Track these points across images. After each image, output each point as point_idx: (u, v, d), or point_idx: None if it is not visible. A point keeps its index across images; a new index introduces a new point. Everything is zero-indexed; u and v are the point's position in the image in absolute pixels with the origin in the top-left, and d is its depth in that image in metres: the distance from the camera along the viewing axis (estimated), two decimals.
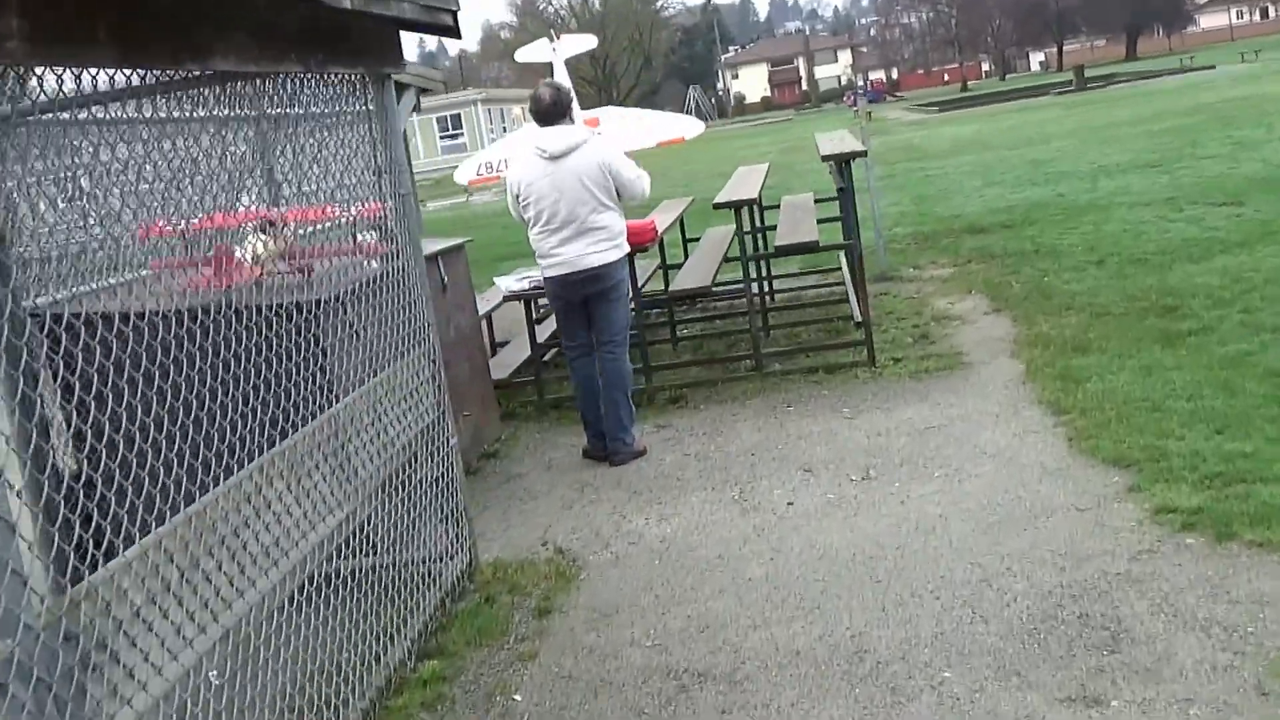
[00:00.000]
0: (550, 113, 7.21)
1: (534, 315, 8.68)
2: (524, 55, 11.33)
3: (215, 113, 5.03)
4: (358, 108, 5.31)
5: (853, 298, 9.25)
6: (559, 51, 11.13)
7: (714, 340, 10.12)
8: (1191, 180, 16.49)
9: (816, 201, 11.33)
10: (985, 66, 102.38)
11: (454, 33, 5.28)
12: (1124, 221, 13.60)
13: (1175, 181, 16.60)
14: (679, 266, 10.81)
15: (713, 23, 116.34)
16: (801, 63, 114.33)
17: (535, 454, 7.72)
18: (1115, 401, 6.83)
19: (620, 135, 9.71)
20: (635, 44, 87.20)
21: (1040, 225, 14.31)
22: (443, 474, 5.48)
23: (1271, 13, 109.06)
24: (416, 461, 5.29)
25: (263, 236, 5.72)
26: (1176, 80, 48.82)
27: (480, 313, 8.89)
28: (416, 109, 13.91)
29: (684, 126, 10.04)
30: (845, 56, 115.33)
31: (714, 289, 8.64)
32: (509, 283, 8.54)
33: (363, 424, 4.69)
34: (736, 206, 8.44)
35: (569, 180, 7.09)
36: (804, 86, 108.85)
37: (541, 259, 7.26)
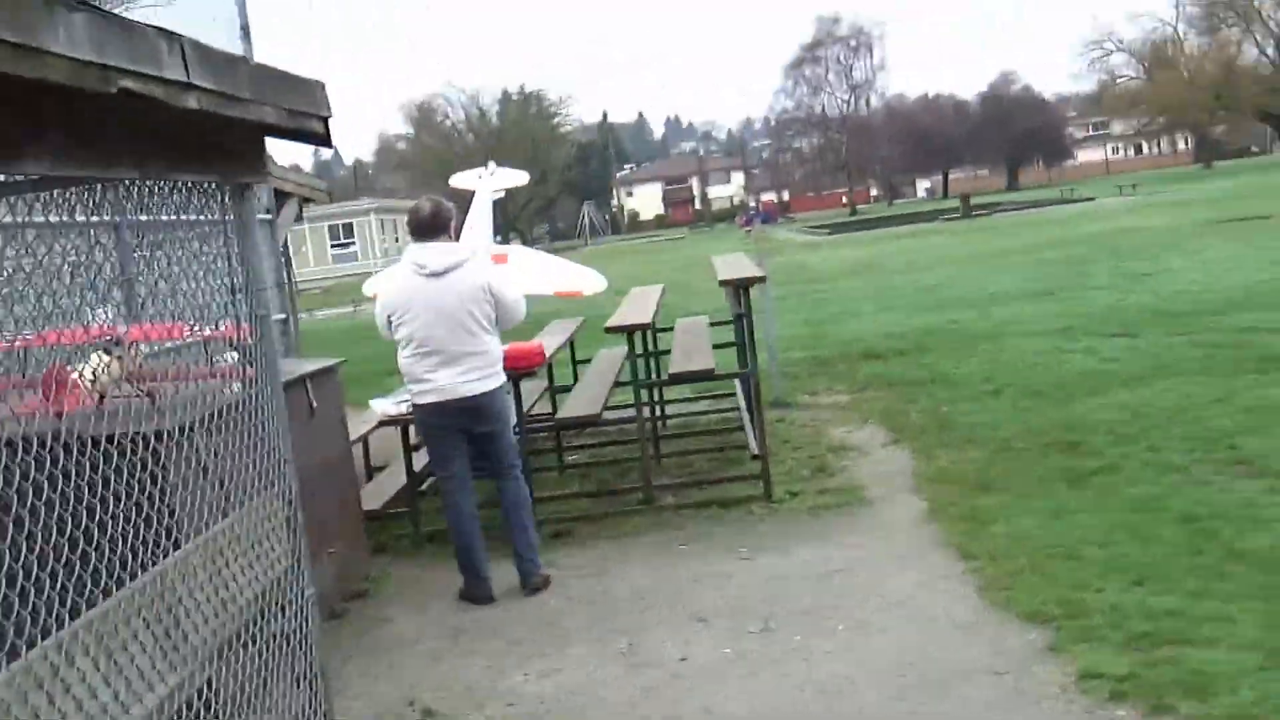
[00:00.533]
0: (430, 226, 6.73)
1: (410, 441, 8.09)
2: (456, 181, 10.74)
3: (42, 218, 4.50)
4: (211, 219, 4.78)
5: (749, 428, 8.82)
6: (491, 181, 10.65)
7: (603, 469, 9.61)
8: (1083, 310, 16.48)
9: (711, 324, 10.96)
10: (874, 191, 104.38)
11: (324, 140, 4.77)
12: (1019, 351, 13.43)
13: (1067, 310, 16.57)
14: (568, 389, 10.34)
15: (608, 140, 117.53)
16: (695, 182, 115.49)
17: (407, 594, 7.09)
18: (1026, 548, 6.43)
19: (521, 277, 9.21)
20: (532, 160, 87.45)
21: (935, 353, 14.10)
22: (296, 629, 4.87)
23: (1145, 149, 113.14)
24: (265, 617, 4.68)
25: (105, 356, 5.14)
26: (1059, 210, 50.00)
27: (355, 436, 8.30)
28: (299, 219, 13.37)
29: (586, 281, 9.59)
30: (738, 178, 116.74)
31: (603, 417, 8.13)
32: (385, 405, 7.98)
33: (198, 580, 4.08)
34: (629, 330, 8.00)
35: (447, 300, 6.60)
36: (698, 205, 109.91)
37: (413, 384, 6.74)
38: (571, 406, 8.32)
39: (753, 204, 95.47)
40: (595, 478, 9.40)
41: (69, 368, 5.06)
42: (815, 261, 36.22)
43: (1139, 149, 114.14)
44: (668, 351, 9.63)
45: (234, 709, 4.49)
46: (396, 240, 67.39)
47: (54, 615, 3.20)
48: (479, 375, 6.70)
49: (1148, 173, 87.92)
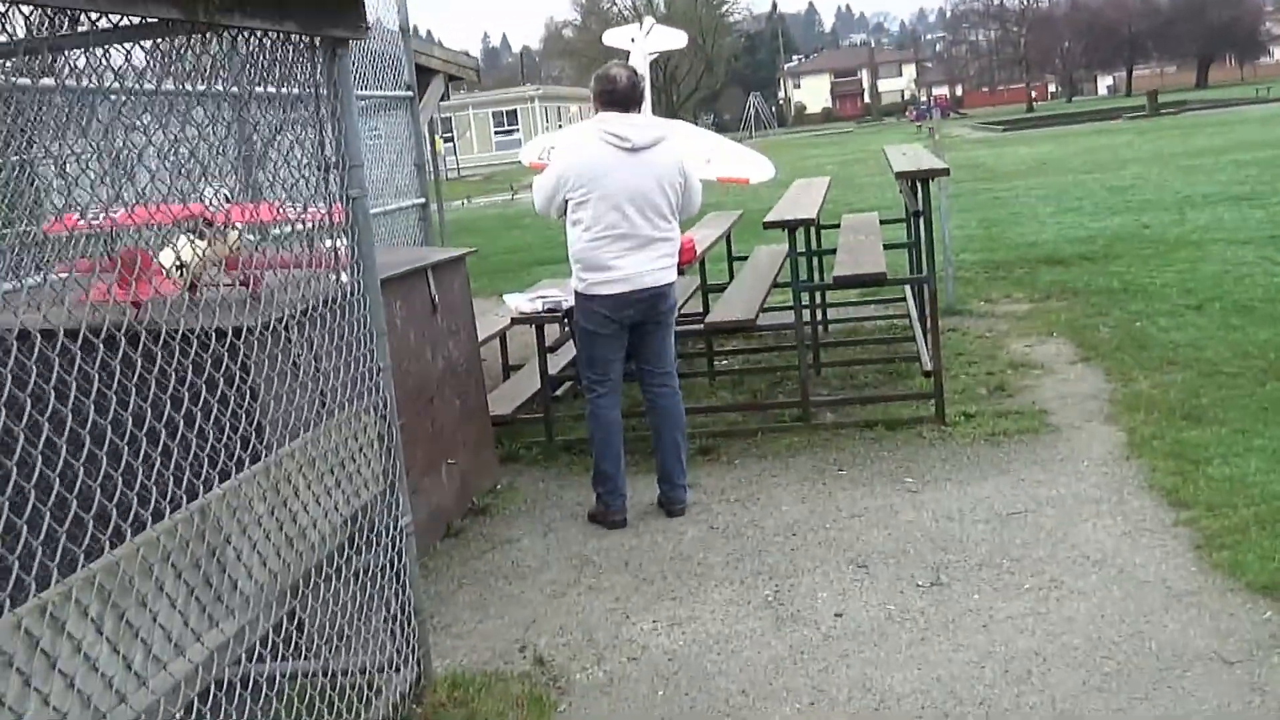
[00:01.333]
0: (629, 96, 5.91)
1: (545, 342, 7.36)
2: (610, 38, 9.61)
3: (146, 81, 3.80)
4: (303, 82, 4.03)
5: (921, 341, 7.88)
6: (646, 42, 9.47)
7: (757, 377, 8.78)
8: None
9: (882, 223, 9.97)
10: (1051, 88, 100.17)
11: None
12: (1223, 261, 12.11)
13: (1273, 218, 15.06)
14: (722, 288, 9.50)
15: (777, 31, 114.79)
16: (865, 75, 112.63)
17: (534, 512, 6.40)
18: (1251, 497, 5.44)
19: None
20: (698, 48, 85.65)
21: (1126, 260, 12.84)
22: (389, 563, 4.18)
23: None
24: (351, 549, 4.00)
25: (195, 240, 4.47)
26: (1254, 110, 46.83)
27: (488, 333, 7.60)
28: (445, 97, 12.66)
29: (754, 167, 8.46)
30: (909, 71, 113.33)
31: (759, 322, 7.27)
32: (519, 301, 7.23)
33: (255, 514, 3.40)
34: (790, 227, 7.09)
35: (646, 179, 5.81)
36: (866, 99, 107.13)
37: (589, 271, 5.87)
38: (725, 309, 7.47)
39: (924, 99, 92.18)
40: (749, 387, 8.58)
41: (149, 251, 4.41)
42: (989, 159, 34.38)
43: None
44: (833, 251, 8.68)
45: (313, 651, 3.86)
46: (560, 126, 66.60)
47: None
48: (668, 263, 5.98)
49: None
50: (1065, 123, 54.46)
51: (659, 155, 5.90)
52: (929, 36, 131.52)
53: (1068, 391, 7.86)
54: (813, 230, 8.61)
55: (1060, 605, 4.61)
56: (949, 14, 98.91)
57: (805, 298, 7.90)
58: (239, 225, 4.72)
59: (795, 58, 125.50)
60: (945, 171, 7.26)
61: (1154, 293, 10.83)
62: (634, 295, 5.89)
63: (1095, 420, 7.12)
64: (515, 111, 71.41)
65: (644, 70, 8.15)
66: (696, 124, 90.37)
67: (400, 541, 4.23)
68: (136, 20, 3.02)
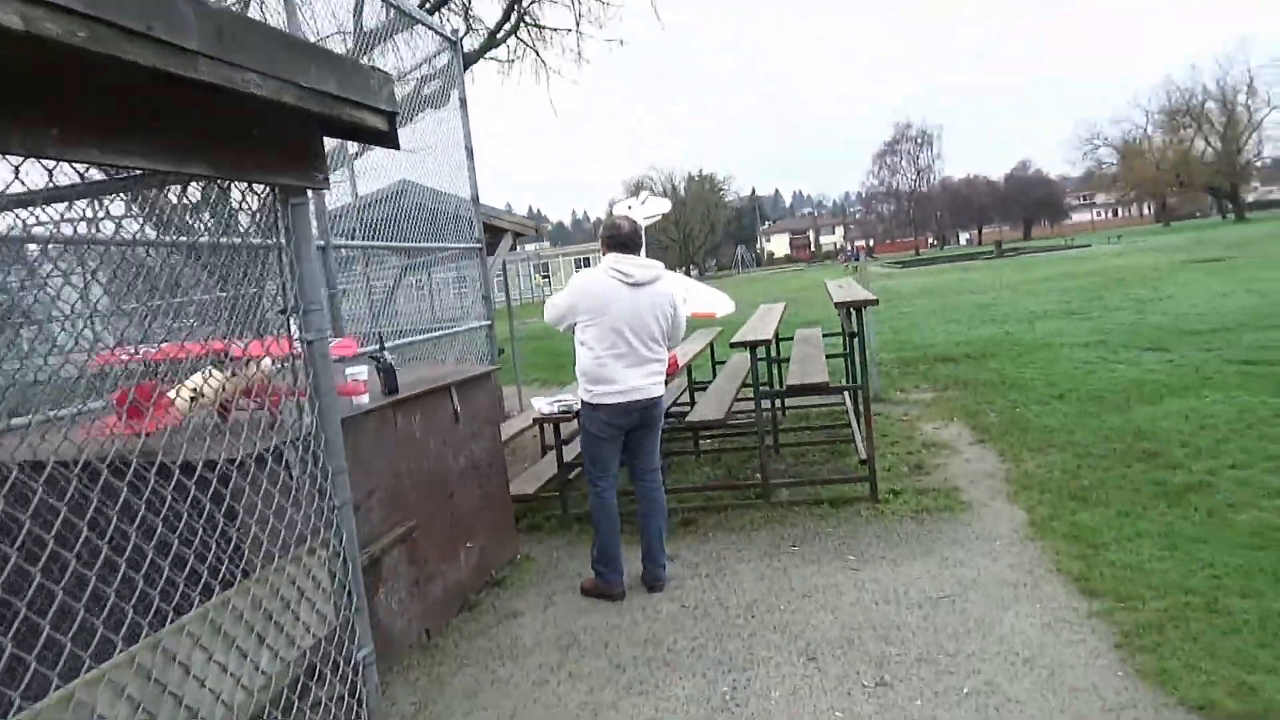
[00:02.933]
0: (632, 241, 4.57)
1: (560, 436, 5.85)
2: (618, 209, 8.26)
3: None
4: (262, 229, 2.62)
5: (857, 435, 6.30)
6: (643, 208, 8.08)
7: (731, 454, 7.20)
8: (1111, 326, 13.23)
9: (824, 335, 8.43)
10: (930, 240, 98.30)
11: (387, 139, 2.54)
12: (1071, 360, 10.42)
13: (1098, 327, 13.35)
14: (706, 386, 7.98)
15: (755, 206, 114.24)
16: (811, 233, 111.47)
17: (541, 582, 4.85)
18: (1154, 587, 3.85)
19: None
20: (705, 217, 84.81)
21: (1000, 359, 11.18)
22: (349, 693, 2.67)
23: (1119, 212, 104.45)
24: (313, 678, 2.50)
25: (215, 372, 3.04)
26: (1065, 254, 44.87)
27: (516, 430, 6.11)
28: (513, 247, 11.29)
29: (719, 304, 7.01)
30: (840, 230, 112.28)
31: (730, 417, 5.72)
32: (541, 405, 5.75)
33: (217, 644, 1.93)
34: (751, 345, 5.57)
35: (644, 309, 4.45)
36: (812, 248, 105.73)
37: (596, 384, 4.46)
38: (702, 409, 5.92)
39: (849, 247, 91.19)
40: (724, 463, 7.01)
41: (159, 384, 2.99)
42: (893, 286, 32.58)
43: (1115, 212, 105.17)
44: (789, 359, 7.14)
45: None
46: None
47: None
48: (659, 378, 4.56)
49: (1123, 228, 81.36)
50: (941, 262, 52.71)
51: (654, 290, 4.50)
52: (851, 209, 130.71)
53: (971, 470, 6.25)
54: (771, 346, 7.05)
55: (999, 715, 3.02)
56: (864, 194, 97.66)
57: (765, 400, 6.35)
58: (262, 358, 3.28)
59: (766, 222, 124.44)
60: (875, 301, 5.72)
61: (1025, 385, 9.18)
62: (632, 404, 4.46)
63: (998, 499, 5.50)
64: (588, 259, 70.85)
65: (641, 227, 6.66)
66: (704, 264, 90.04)
67: (359, 673, 2.72)
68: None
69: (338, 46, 8.04)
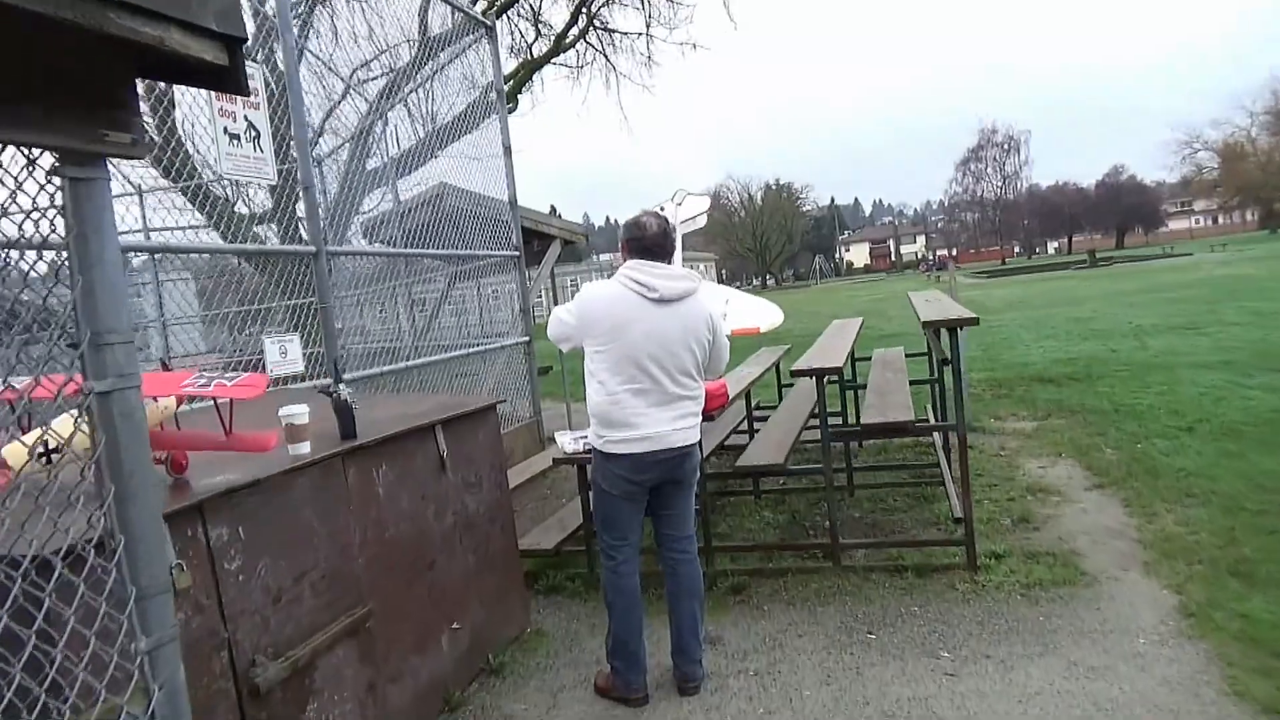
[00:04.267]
0: (661, 245, 3.48)
1: (588, 477, 4.85)
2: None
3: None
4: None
5: (949, 481, 5.16)
6: (680, 210, 6.72)
7: (798, 495, 6.11)
8: (1234, 344, 11.66)
9: (907, 356, 7.26)
10: (1016, 249, 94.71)
11: (228, 80, 1.60)
12: (1195, 385, 8.99)
13: (1218, 344, 11.78)
14: (768, 412, 6.90)
15: (833, 214, 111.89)
16: (891, 242, 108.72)
17: (550, 671, 3.86)
18: None
19: None
20: (782, 227, 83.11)
21: (1108, 381, 9.80)
22: None
23: (1220, 219, 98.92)
24: None
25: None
26: (1163, 263, 42.11)
27: (534, 471, 5.14)
28: (561, 257, 10.38)
29: (764, 315, 5.61)
30: (921, 240, 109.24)
31: (789, 469, 4.63)
32: (565, 441, 4.76)
33: None
34: (818, 374, 4.49)
35: (672, 331, 3.39)
36: (892, 258, 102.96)
37: (608, 428, 3.41)
38: (757, 451, 4.83)
39: (931, 257, 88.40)
40: (790, 506, 5.94)
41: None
42: (980, 297, 30.83)
43: (1215, 219, 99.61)
44: (864, 385, 6.02)
45: None
46: None
47: None
48: (692, 422, 3.49)
49: (1224, 236, 76.99)
50: (1029, 272, 50.24)
51: (687, 309, 3.43)
52: (933, 218, 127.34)
53: (1091, 525, 5.05)
54: (842, 372, 5.91)
55: None
56: (947, 203, 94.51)
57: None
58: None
59: (845, 231, 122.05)
60: (974, 321, 4.58)
61: (1143, 413, 7.85)
62: (656, 456, 3.41)
63: (1133, 569, 4.32)
64: (591, 276, 69.66)
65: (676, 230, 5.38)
66: (782, 275, 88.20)
67: None
68: None
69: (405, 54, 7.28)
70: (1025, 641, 3.66)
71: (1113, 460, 6.41)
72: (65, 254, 1.65)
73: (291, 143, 7.99)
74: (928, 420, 6.29)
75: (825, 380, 4.50)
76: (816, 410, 4.87)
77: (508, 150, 7.54)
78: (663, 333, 3.37)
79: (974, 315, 4.61)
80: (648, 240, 3.46)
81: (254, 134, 4.54)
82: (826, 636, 3.89)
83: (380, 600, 3.16)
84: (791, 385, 7.47)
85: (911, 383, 5.95)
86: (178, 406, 2.82)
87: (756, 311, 5.00)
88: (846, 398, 6.77)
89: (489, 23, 7.27)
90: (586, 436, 4.24)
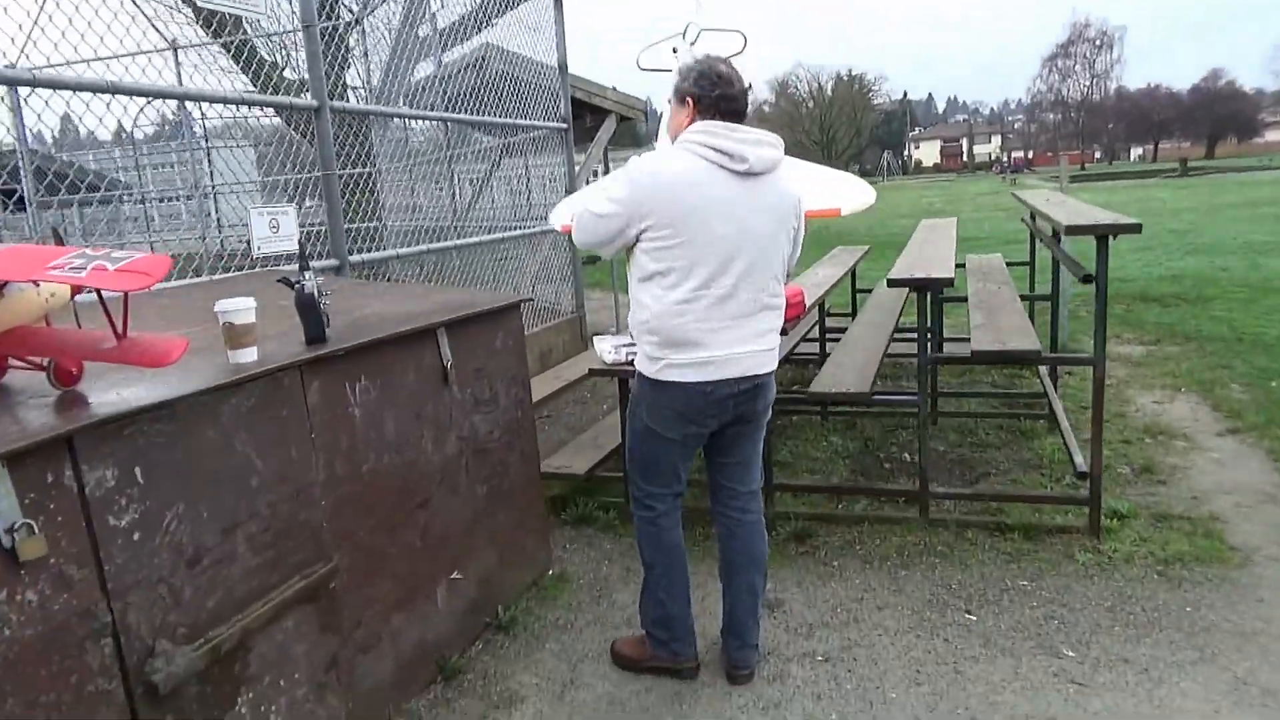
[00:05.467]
0: (742, 102, 2.58)
1: (630, 391, 4.05)
2: (648, 62, 4.23)
3: None
4: None
5: (1067, 429, 4.26)
6: (692, 50, 4.72)
7: (871, 420, 5.28)
8: None
9: (1008, 264, 6.25)
10: (1097, 154, 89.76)
11: None
12: None
13: None
14: (841, 321, 6.01)
15: (905, 110, 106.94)
16: (964, 142, 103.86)
17: (571, 631, 3.15)
18: None
19: None
20: (851, 119, 79.34)
21: (1223, 304, 8.67)
22: None
23: None
24: None
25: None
26: (1264, 175, 39.09)
27: (559, 386, 4.36)
28: (617, 134, 9.36)
29: (848, 194, 3.95)
30: (996, 140, 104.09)
31: (875, 395, 3.75)
32: (604, 347, 3.94)
33: None
34: (918, 288, 3.58)
35: (764, 218, 2.52)
36: (964, 158, 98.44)
37: (669, 347, 2.54)
38: (836, 374, 3.93)
39: (1005, 158, 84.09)
40: (863, 432, 5.12)
41: None
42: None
43: None
44: (964, 299, 5.08)
45: None
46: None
47: None
48: (773, 342, 2.65)
49: None
50: (1112, 179, 47.31)
51: (774, 186, 2.54)
52: (1009, 118, 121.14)
53: (1232, 482, 4.17)
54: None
55: None
56: (1027, 102, 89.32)
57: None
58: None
59: (917, 128, 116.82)
60: (1137, 227, 3.60)
61: (1272, 346, 6.80)
62: (730, 387, 2.57)
63: None
64: None
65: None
66: (846, 170, 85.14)
67: None
68: None
69: None
70: (1173, 642, 2.86)
71: (1245, 400, 5.45)
72: None
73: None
74: (1054, 350, 5.30)
75: (926, 295, 3.58)
76: (905, 326, 3.95)
77: (558, 3, 6.51)
78: (751, 219, 2.49)
79: (1134, 221, 3.63)
80: (731, 97, 2.54)
81: None
82: (914, 612, 3.13)
83: (350, 553, 2.45)
84: (868, 291, 6.53)
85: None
86: (73, 295, 2.06)
87: (839, 187, 3.79)
88: (931, 314, 5.81)
89: None
90: (632, 345, 3.42)
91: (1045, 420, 5.07)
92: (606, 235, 2.58)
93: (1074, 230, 3.51)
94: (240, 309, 2.21)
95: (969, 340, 3.67)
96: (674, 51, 3.51)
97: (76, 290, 2.05)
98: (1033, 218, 6.18)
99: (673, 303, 2.51)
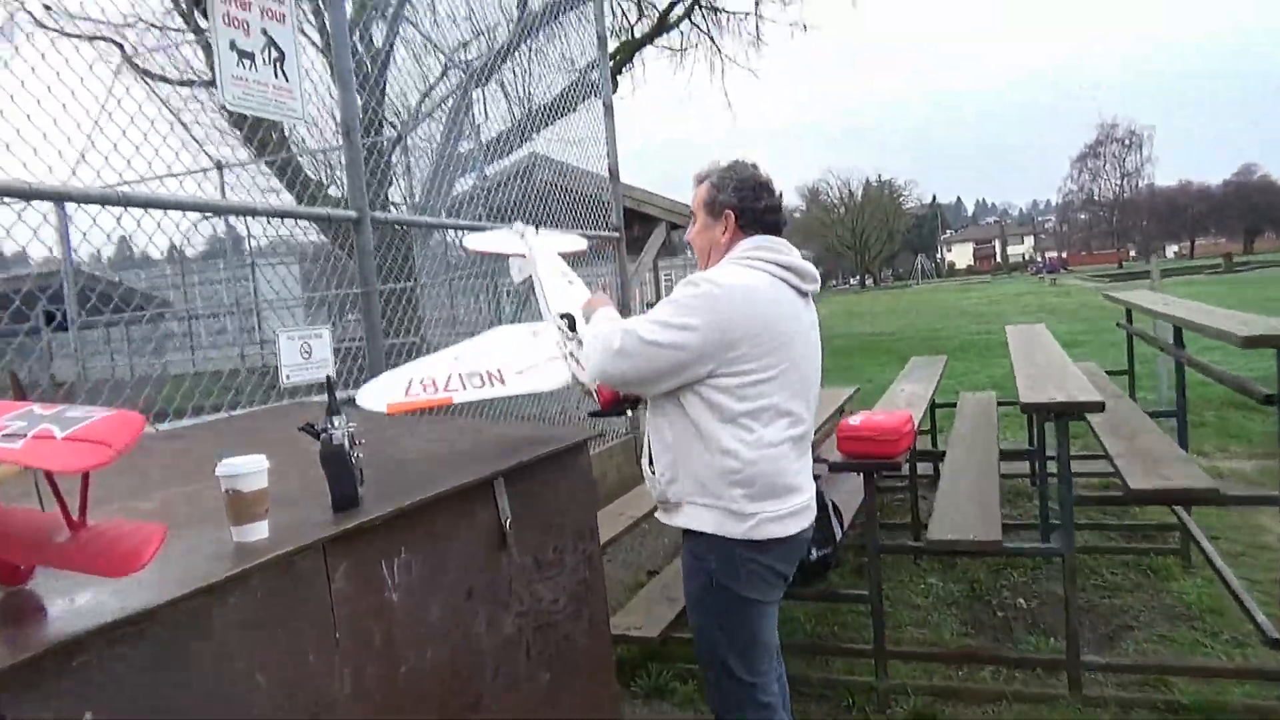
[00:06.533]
0: (784, 216, 2.28)
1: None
2: (479, 243, 3.55)
3: None
4: None
5: (1234, 583, 3.58)
6: (539, 240, 3.67)
7: (989, 574, 4.60)
8: None
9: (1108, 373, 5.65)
10: (1132, 252, 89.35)
11: None
12: None
13: None
14: (929, 459, 5.38)
15: (936, 213, 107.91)
16: (997, 243, 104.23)
17: None
18: None
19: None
20: (883, 224, 79.80)
21: None
22: None
23: None
24: None
25: None
26: None
27: (629, 523, 3.79)
28: (667, 244, 9.03)
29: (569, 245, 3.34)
30: (1028, 240, 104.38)
31: (1007, 547, 3.09)
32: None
33: None
34: (1058, 413, 3.00)
35: (816, 342, 2.21)
36: (998, 259, 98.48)
37: (765, 499, 2.08)
38: (954, 519, 3.26)
39: (1040, 258, 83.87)
40: (965, 574, 4.44)
41: None
42: (1101, 301, 28.13)
43: None
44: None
45: None
46: None
47: None
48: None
49: None
50: (1148, 277, 46.51)
51: (813, 307, 2.27)
52: (1039, 218, 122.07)
53: None
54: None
55: None
56: (1059, 201, 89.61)
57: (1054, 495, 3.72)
58: None
59: (948, 231, 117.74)
60: None
61: None
62: (808, 533, 2.21)
63: None
64: None
65: (547, 271, 3.25)
66: (880, 274, 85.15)
67: None
68: None
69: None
70: None
71: None
72: None
73: (382, 116, 7.10)
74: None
75: (1064, 422, 3.00)
76: (1009, 450, 3.33)
77: (608, 108, 6.24)
78: (813, 338, 2.20)
79: None
80: (777, 207, 2.26)
81: (275, 55, 3.32)
82: None
83: None
84: (948, 406, 5.94)
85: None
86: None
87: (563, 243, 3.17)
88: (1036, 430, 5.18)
89: None
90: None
91: (1175, 555, 4.39)
92: (666, 368, 2.10)
93: (1257, 342, 2.92)
94: (247, 472, 1.70)
95: (1087, 459, 3.06)
96: (521, 237, 3.15)
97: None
98: (1128, 316, 5.64)
99: (769, 445, 2.07)
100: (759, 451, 2.07)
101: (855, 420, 3.07)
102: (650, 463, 2.45)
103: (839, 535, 3.15)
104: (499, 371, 2.32)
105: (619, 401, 2.55)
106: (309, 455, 2.07)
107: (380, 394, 2.24)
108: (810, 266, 2.20)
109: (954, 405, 5.88)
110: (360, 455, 2.00)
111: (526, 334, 2.60)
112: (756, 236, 2.20)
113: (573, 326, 2.58)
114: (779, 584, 2.20)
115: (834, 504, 3.24)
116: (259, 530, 1.72)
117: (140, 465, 2.34)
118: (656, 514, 2.61)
